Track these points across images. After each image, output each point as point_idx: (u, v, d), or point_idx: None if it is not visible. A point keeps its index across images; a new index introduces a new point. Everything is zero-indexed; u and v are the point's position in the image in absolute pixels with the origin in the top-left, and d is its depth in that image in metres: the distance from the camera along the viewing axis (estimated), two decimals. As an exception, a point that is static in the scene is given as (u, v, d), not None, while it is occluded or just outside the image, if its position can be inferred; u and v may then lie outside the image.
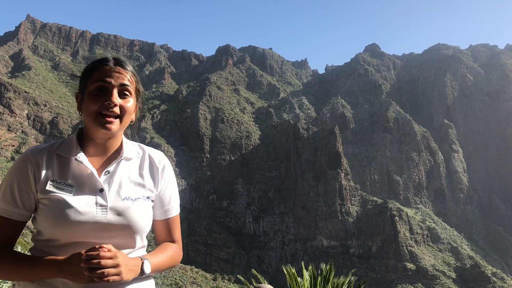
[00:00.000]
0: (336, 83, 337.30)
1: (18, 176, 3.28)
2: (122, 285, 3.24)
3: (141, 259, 3.30)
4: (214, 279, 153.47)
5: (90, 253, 2.97)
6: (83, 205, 3.22)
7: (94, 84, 3.34)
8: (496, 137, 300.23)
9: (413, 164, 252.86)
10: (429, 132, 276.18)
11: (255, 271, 17.67)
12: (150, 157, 3.71)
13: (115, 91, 3.34)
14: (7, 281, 16.53)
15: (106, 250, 3.03)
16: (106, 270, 2.95)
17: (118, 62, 3.49)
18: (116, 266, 3.00)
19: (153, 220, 3.70)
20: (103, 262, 2.95)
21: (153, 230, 3.80)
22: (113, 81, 3.35)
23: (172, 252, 3.69)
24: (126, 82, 3.42)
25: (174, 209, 3.80)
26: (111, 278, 2.98)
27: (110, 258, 2.99)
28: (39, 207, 3.28)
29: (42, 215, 3.25)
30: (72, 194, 3.25)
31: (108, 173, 3.43)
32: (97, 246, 3.01)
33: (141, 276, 3.29)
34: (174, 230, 3.81)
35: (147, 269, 3.29)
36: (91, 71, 3.43)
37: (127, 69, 3.50)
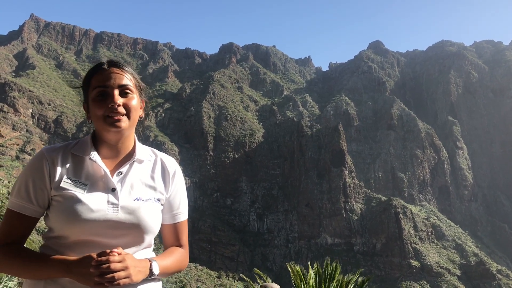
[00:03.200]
0: (339, 80, 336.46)
1: (34, 173, 3.33)
2: (131, 287, 3.24)
3: (149, 261, 3.32)
4: (219, 277, 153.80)
5: (99, 258, 2.98)
6: (95, 202, 3.27)
7: (94, 91, 3.40)
8: (500, 134, 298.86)
9: (417, 161, 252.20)
10: (433, 129, 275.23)
11: (259, 270, 17.65)
12: (162, 162, 3.75)
13: (116, 92, 3.39)
14: (13, 279, 16.62)
15: (116, 254, 3.04)
16: (116, 274, 2.98)
17: (113, 64, 3.53)
18: (125, 268, 3.03)
19: (162, 224, 3.71)
20: (113, 266, 2.97)
21: (161, 234, 3.82)
22: (111, 83, 3.40)
23: (179, 256, 3.72)
24: (124, 81, 3.45)
25: (183, 214, 3.83)
26: (121, 281, 3.01)
27: (119, 261, 3.01)
28: (52, 204, 3.32)
29: (55, 212, 3.29)
30: (85, 192, 3.29)
31: (121, 174, 3.47)
32: (108, 251, 3.03)
33: (150, 277, 3.31)
34: (181, 235, 3.84)
35: (156, 270, 3.31)
36: (90, 78, 3.48)
37: (123, 69, 3.53)
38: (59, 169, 3.35)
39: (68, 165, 3.40)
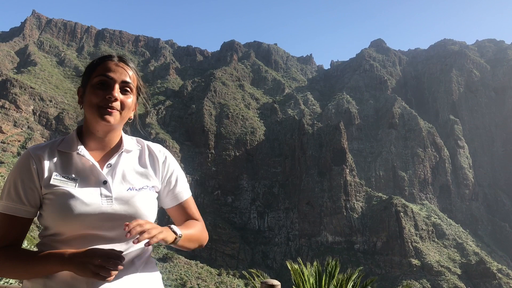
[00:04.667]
0: (341, 78, 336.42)
1: (22, 173, 3.29)
2: (130, 274, 3.30)
3: (168, 225, 3.32)
4: (219, 274, 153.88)
5: (111, 253, 3.03)
6: (88, 196, 3.24)
7: (96, 78, 3.39)
8: (502, 133, 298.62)
9: (418, 160, 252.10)
10: (435, 128, 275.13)
11: (259, 268, 17.71)
12: (150, 149, 3.75)
13: (117, 86, 3.39)
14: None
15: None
16: (147, 230, 3.00)
17: (122, 59, 3.56)
18: (151, 227, 3.06)
19: (168, 209, 3.76)
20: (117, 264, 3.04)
21: (171, 219, 3.81)
22: (115, 77, 3.41)
23: (198, 226, 3.71)
24: (128, 79, 3.47)
25: (185, 192, 3.80)
26: (156, 236, 3.05)
27: (139, 224, 3.00)
28: (44, 202, 3.29)
29: (48, 210, 3.26)
30: (76, 187, 3.27)
31: (110, 166, 3.46)
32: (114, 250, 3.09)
33: (176, 238, 3.30)
34: (192, 211, 3.82)
35: (178, 230, 3.32)
36: (95, 66, 3.49)
37: (130, 66, 3.56)
38: (47, 167, 3.32)
39: (56, 162, 3.38)
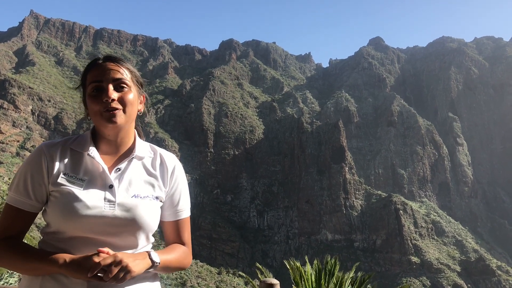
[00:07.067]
0: (340, 77, 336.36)
1: (32, 168, 3.35)
2: (129, 283, 3.26)
3: (147, 251, 3.33)
4: (219, 273, 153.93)
5: (95, 260, 3.01)
6: (91, 199, 3.26)
7: (90, 86, 3.41)
8: (500, 130, 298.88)
9: (417, 157, 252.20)
10: (434, 125, 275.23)
11: (259, 264, 17.70)
12: (162, 158, 3.73)
13: (110, 87, 3.38)
14: (14, 275, 16.66)
15: (106, 252, 3.07)
16: (116, 276, 3.00)
17: (108, 58, 3.52)
18: (121, 264, 3.01)
19: (163, 221, 3.73)
20: (103, 262, 2.99)
21: (162, 231, 3.82)
22: (105, 78, 3.40)
23: (180, 252, 3.68)
24: (119, 76, 3.44)
25: (185, 212, 3.80)
26: (124, 278, 3.04)
27: (112, 261, 3.00)
28: (50, 199, 3.33)
29: (52, 207, 3.29)
30: (82, 188, 3.29)
31: (119, 171, 3.46)
32: (98, 250, 3.07)
33: (153, 266, 3.29)
34: (183, 232, 3.81)
35: (156, 258, 3.29)
36: (86, 74, 3.50)
37: (119, 63, 3.51)
38: (57, 165, 3.36)
39: (66, 161, 3.41)
